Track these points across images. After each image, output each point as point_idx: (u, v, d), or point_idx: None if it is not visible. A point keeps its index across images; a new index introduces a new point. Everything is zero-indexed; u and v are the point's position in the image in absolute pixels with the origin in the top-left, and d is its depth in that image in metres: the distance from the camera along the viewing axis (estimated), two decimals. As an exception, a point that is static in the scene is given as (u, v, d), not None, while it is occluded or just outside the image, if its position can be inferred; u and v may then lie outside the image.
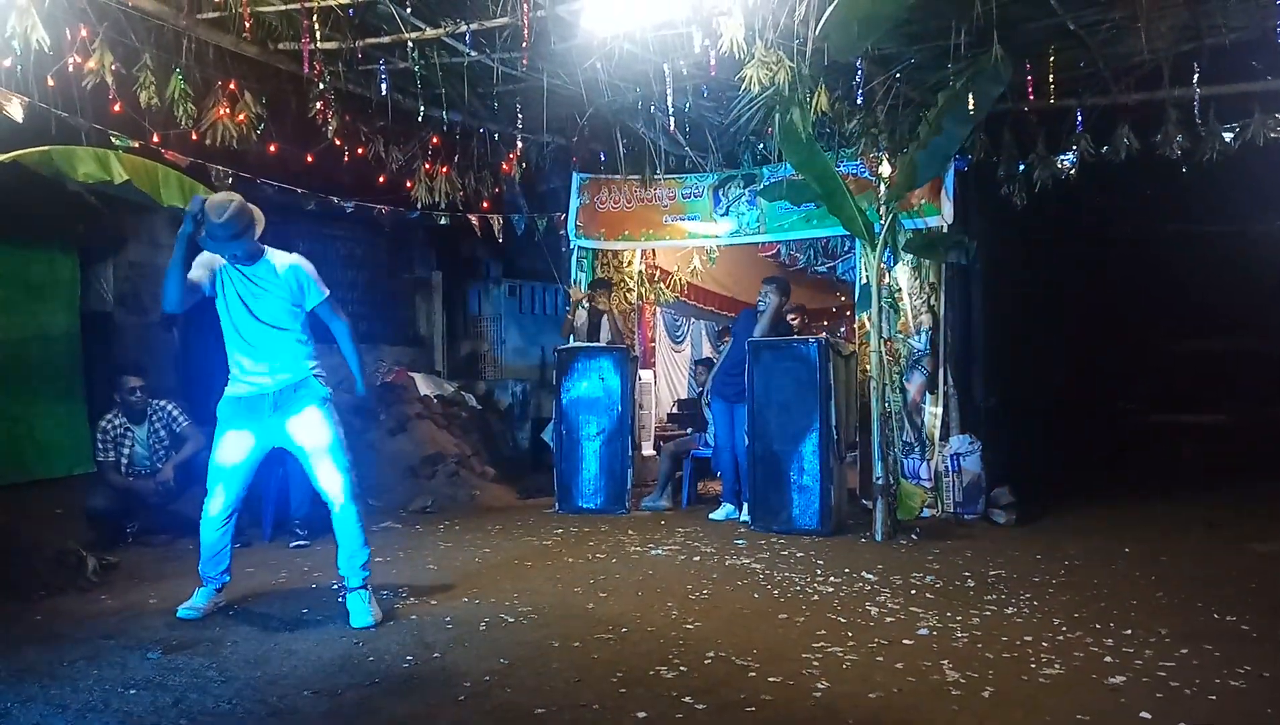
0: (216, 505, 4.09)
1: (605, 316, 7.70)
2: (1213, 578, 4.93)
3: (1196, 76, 5.92)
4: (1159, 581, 4.85)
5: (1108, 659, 3.51)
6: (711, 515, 6.96)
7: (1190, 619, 4.10)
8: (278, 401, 4.03)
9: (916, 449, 7.05)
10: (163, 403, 5.93)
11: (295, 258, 4.12)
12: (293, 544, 5.74)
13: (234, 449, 4.07)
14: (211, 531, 4.10)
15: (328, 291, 4.12)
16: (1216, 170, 6.45)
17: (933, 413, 7.08)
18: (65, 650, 3.59)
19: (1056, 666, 3.43)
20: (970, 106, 5.57)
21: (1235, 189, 8.30)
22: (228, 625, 3.98)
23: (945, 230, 6.81)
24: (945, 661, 3.46)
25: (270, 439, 4.09)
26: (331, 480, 4.02)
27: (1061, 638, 3.79)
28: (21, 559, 4.66)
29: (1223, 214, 10.05)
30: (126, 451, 5.75)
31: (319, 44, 5.58)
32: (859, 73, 5.88)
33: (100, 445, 5.71)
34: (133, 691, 3.14)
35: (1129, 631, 3.86)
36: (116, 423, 5.75)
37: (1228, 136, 6.21)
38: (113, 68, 5.12)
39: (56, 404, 6.69)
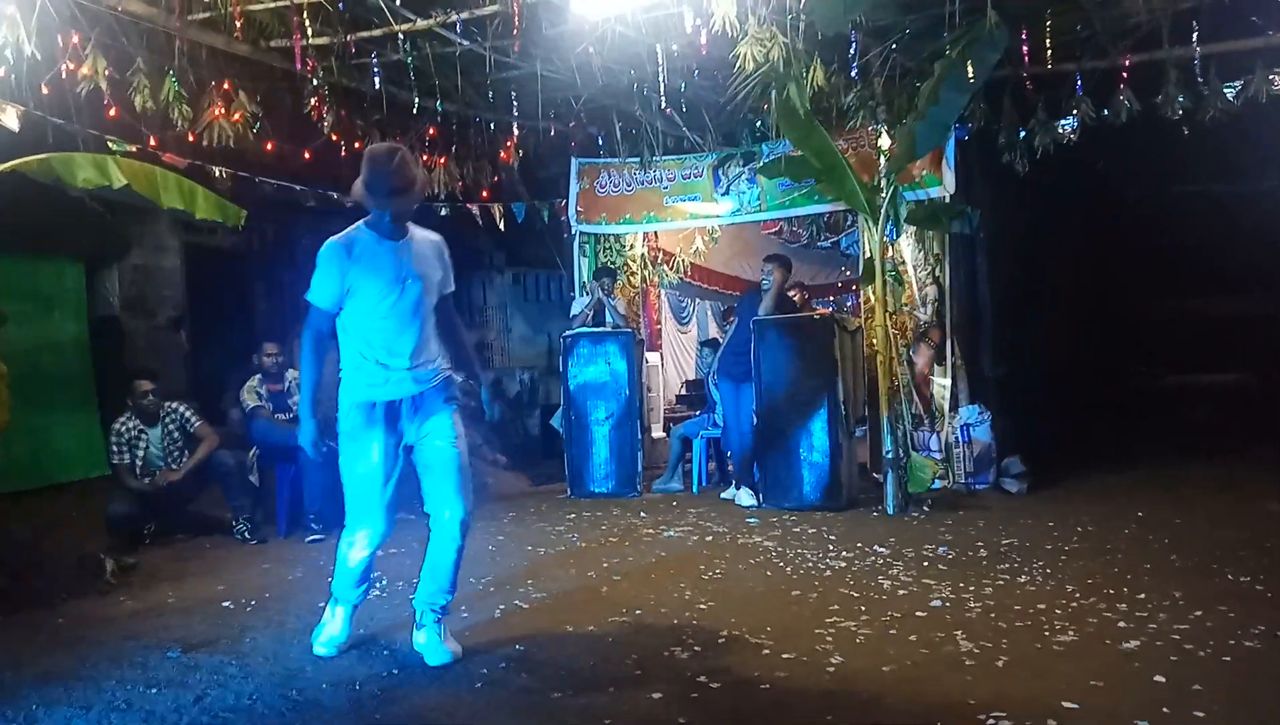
0: (367, 536, 3.41)
1: (607, 304, 7.68)
2: (1227, 540, 4.92)
3: (1195, 35, 5.84)
4: (1172, 545, 4.84)
5: (1121, 624, 3.51)
6: (723, 495, 6.98)
7: (1204, 582, 4.10)
8: (418, 404, 3.38)
9: (926, 421, 7.04)
10: (175, 404, 5.97)
11: (436, 234, 3.54)
12: (308, 538, 5.78)
13: (382, 461, 3.37)
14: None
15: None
16: (1221, 129, 6.38)
17: (941, 384, 7.06)
18: (87, 652, 3.64)
19: (1070, 633, 3.43)
20: (968, 75, 5.52)
21: (1240, 147, 8.21)
22: (246, 622, 4.02)
23: (948, 200, 6.77)
24: (959, 632, 3.47)
25: (407, 440, 3.42)
26: (454, 493, 3.38)
27: (1075, 604, 3.80)
28: (42, 564, 4.73)
29: (1229, 173, 9.96)
30: (141, 453, 5.80)
31: (310, 40, 5.57)
32: (854, 45, 5.83)
33: (115, 448, 5.75)
34: (155, 691, 3.18)
35: (1142, 596, 3.87)
36: (130, 425, 5.79)
37: (1229, 94, 6.14)
38: (106, 73, 5.13)
39: (69, 410, 6.75)
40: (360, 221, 3.40)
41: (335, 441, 3.42)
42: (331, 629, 3.54)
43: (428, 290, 3.38)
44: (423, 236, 3.47)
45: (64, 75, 5.09)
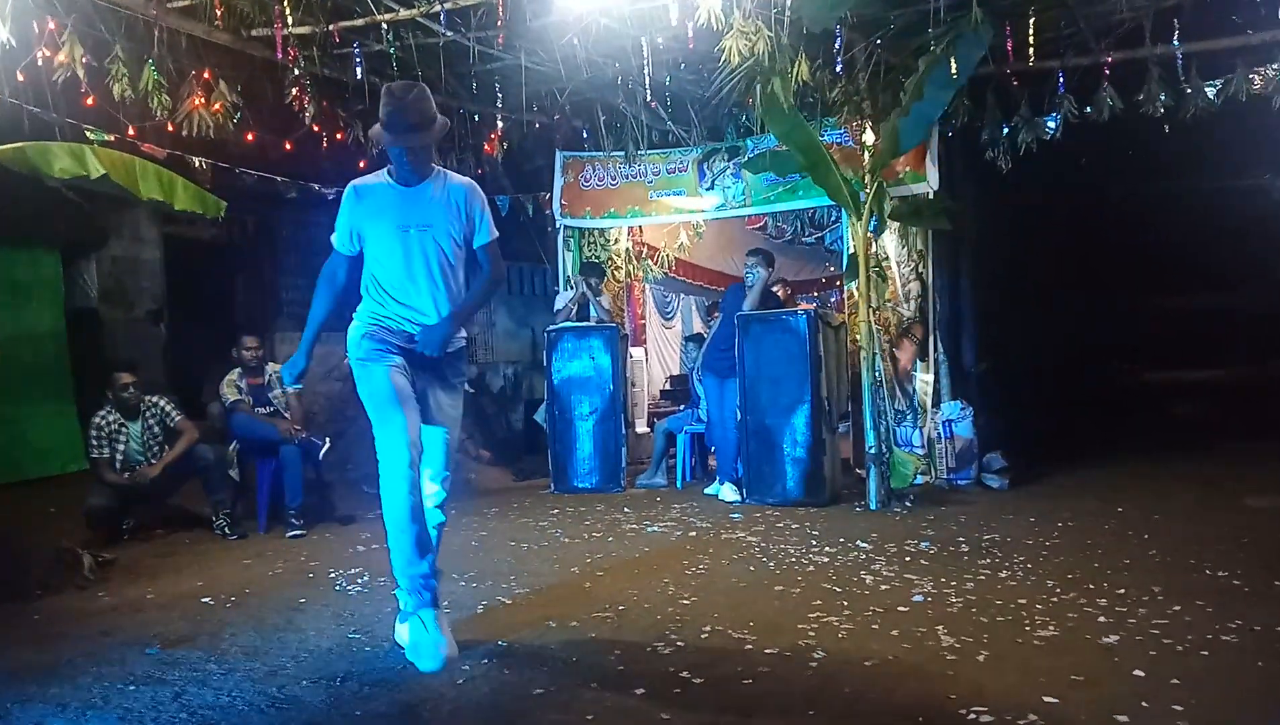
0: (401, 447, 3.08)
1: (591, 299, 7.66)
2: (1206, 534, 4.97)
3: (1177, 33, 5.89)
4: (1152, 540, 4.88)
5: (1101, 619, 3.53)
6: (706, 490, 6.98)
7: (1183, 576, 4.13)
8: (424, 363, 3.24)
9: (908, 417, 7.07)
10: (155, 398, 5.91)
11: (469, 181, 3.36)
12: (289, 534, 5.74)
13: (399, 373, 3.17)
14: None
15: (497, 233, 3.35)
16: (1201, 126, 6.43)
17: (924, 380, 7.09)
18: (64, 648, 3.59)
19: (1051, 628, 3.45)
20: (952, 71, 5.53)
21: (1221, 145, 8.28)
22: (225, 618, 3.98)
23: (931, 196, 6.79)
24: (940, 627, 3.48)
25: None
26: (438, 471, 3.33)
27: (1056, 599, 3.82)
28: (18, 558, 4.66)
29: (1210, 171, 10.04)
30: (121, 448, 5.73)
31: (292, 29, 5.52)
32: (839, 40, 5.83)
33: (94, 442, 5.68)
34: (132, 687, 3.14)
35: (1122, 591, 3.89)
36: (110, 419, 5.72)
37: (1210, 92, 6.19)
38: (84, 60, 5.06)
39: (46, 403, 6.67)
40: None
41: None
42: (416, 631, 3.09)
43: (438, 240, 3.21)
44: (445, 183, 3.27)
45: (40, 62, 5.02)
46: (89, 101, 5.42)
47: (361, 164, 7.27)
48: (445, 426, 3.34)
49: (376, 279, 3.28)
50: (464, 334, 3.43)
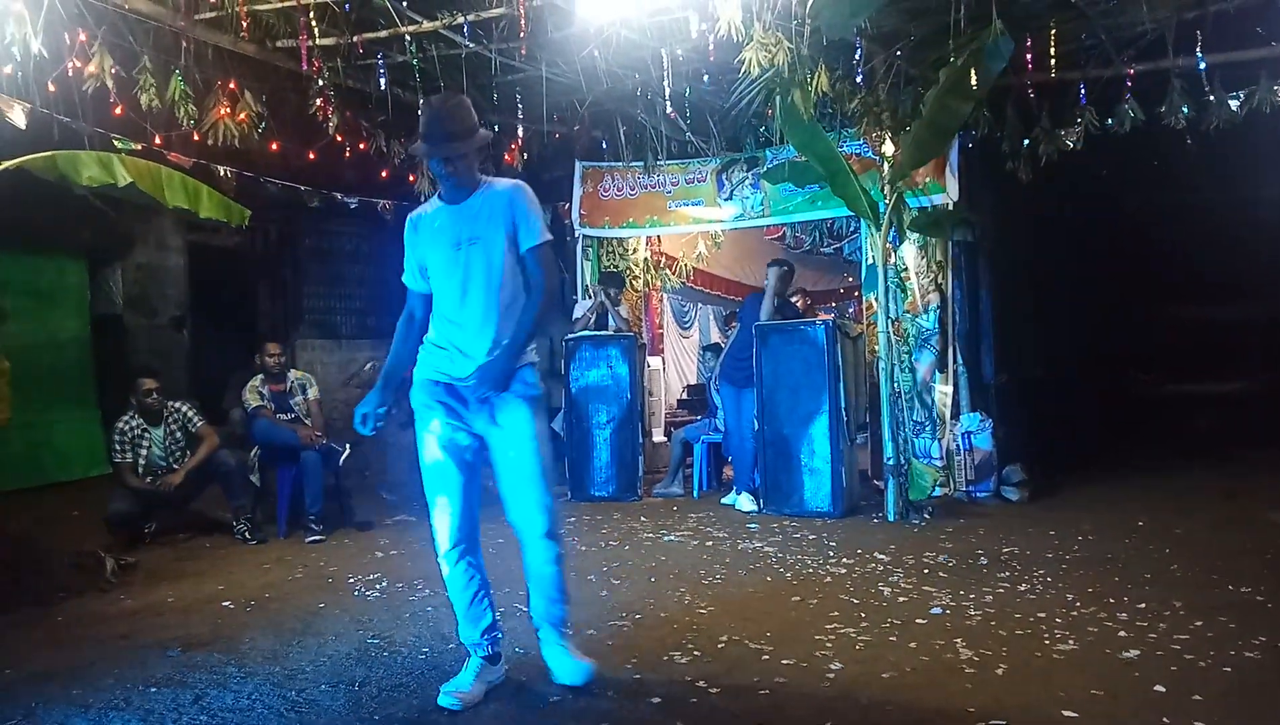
0: (444, 532, 3.09)
1: (610, 308, 7.68)
2: (1228, 549, 4.91)
3: (1200, 45, 5.85)
4: (1173, 554, 4.84)
5: (1122, 633, 3.51)
6: (723, 500, 6.97)
7: (1205, 591, 4.09)
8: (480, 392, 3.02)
9: (927, 428, 7.04)
10: (178, 403, 5.98)
11: (516, 182, 3.16)
12: (308, 539, 5.78)
13: (445, 440, 3.06)
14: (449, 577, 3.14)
15: (550, 237, 3.13)
16: (1225, 139, 6.38)
17: (942, 391, 7.06)
18: (86, 650, 3.64)
19: (1070, 642, 3.43)
20: (972, 82, 5.52)
21: (1244, 157, 8.21)
22: (245, 621, 4.01)
23: (951, 207, 6.78)
24: (959, 640, 3.47)
25: (477, 431, 3.11)
26: (523, 506, 3.11)
27: (1075, 613, 3.79)
28: (41, 562, 4.72)
29: (1232, 182, 9.95)
30: (143, 453, 5.80)
31: (317, 40, 5.58)
32: (859, 51, 5.83)
33: (117, 447, 5.75)
34: (153, 690, 3.18)
35: (1143, 605, 3.86)
36: (133, 424, 5.79)
37: (1234, 104, 6.14)
38: (112, 71, 5.13)
39: (70, 408, 6.76)
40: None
41: (381, 422, 3.14)
42: (461, 677, 3.06)
43: (489, 251, 3.01)
44: (489, 191, 3.08)
45: (70, 73, 5.10)
46: (117, 111, 5.50)
47: (384, 173, 7.36)
48: (518, 452, 3.08)
49: (437, 303, 3.14)
50: (529, 358, 3.16)
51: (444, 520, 3.08)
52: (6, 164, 4.58)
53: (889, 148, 6.68)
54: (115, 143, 5.52)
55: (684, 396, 10.20)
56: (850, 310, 12.19)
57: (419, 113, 3.12)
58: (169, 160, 5.80)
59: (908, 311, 7.11)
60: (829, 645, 3.46)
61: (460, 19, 5.49)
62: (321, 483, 5.96)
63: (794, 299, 7.33)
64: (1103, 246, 11.21)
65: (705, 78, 6.48)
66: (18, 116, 4.90)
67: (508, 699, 3.02)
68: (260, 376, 6.24)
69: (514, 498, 3.10)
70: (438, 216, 3.12)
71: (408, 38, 5.77)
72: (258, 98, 5.99)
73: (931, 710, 2.83)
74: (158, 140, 5.96)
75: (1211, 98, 6.12)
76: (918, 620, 3.76)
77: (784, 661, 3.29)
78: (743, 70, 5.22)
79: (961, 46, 5.53)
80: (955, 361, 7.04)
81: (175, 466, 5.81)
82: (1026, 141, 6.72)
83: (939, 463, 6.91)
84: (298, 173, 7.11)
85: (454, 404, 3.07)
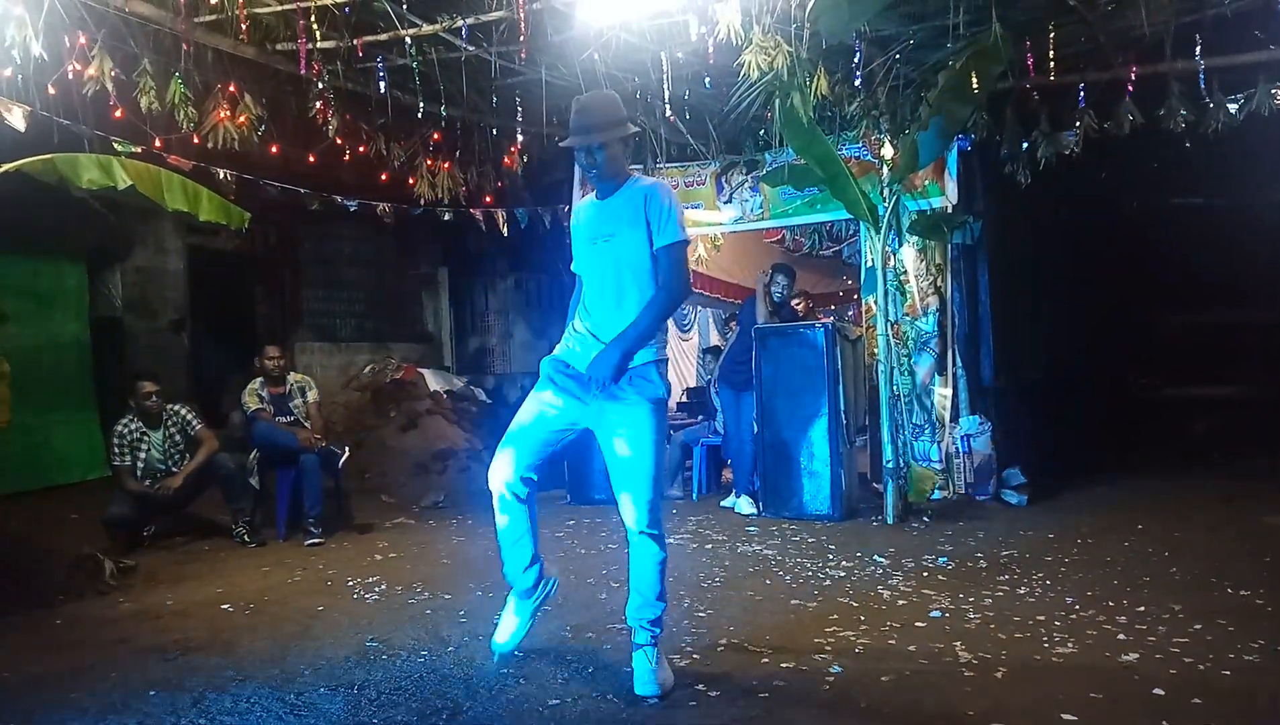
0: (497, 474, 3.20)
1: None
2: (1227, 553, 4.91)
3: (1199, 48, 5.86)
4: (1172, 558, 4.83)
5: (1121, 637, 3.51)
6: (723, 503, 6.97)
7: (1204, 595, 4.09)
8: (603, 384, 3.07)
9: (926, 431, 7.04)
10: (177, 406, 5.97)
11: (656, 180, 3.23)
12: (307, 542, 5.78)
13: (538, 410, 3.19)
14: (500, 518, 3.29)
15: (686, 237, 3.14)
16: (1223, 142, 6.39)
17: (942, 394, 7.06)
18: (84, 653, 3.64)
19: (1069, 645, 3.43)
20: (972, 86, 5.53)
21: (1243, 160, 8.22)
22: (244, 624, 4.01)
23: (950, 211, 6.78)
24: (958, 643, 3.47)
25: (585, 420, 3.18)
26: (627, 502, 3.17)
27: (1074, 617, 3.79)
28: (40, 565, 4.72)
29: (1230, 185, 9.96)
30: (142, 456, 5.80)
31: (316, 43, 5.59)
32: (858, 55, 5.84)
33: (116, 450, 5.75)
34: (152, 693, 3.17)
35: (1142, 609, 3.86)
36: (133, 427, 5.79)
37: (1232, 108, 6.15)
38: (112, 74, 5.14)
39: (69, 411, 6.76)
40: None
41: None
42: (505, 622, 3.39)
43: (622, 247, 3.09)
44: (633, 187, 3.15)
45: (70, 76, 5.11)
46: (117, 114, 5.51)
47: (383, 177, 7.37)
48: (625, 451, 3.10)
49: (581, 292, 3.29)
50: (657, 356, 3.14)
51: (499, 463, 3.20)
52: (6, 167, 4.58)
53: (888, 151, 6.69)
54: (115, 145, 5.53)
55: (684, 399, 10.21)
56: (850, 313, 12.20)
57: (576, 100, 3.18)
58: (169, 163, 5.81)
59: (907, 314, 7.12)
60: (828, 648, 3.46)
61: (460, 22, 5.49)
62: (320, 485, 5.96)
63: (796, 302, 7.34)
64: (1102, 249, 11.21)
65: (705, 81, 6.49)
66: (17, 119, 4.91)
67: (507, 701, 3.02)
68: (259, 379, 6.25)
69: (624, 494, 3.17)
70: (587, 210, 3.26)
71: (408, 41, 5.78)
72: (257, 101, 6.00)
73: (931, 713, 2.82)
74: (157, 143, 5.97)
75: (1210, 101, 6.14)
76: (917, 623, 3.76)
77: (783, 665, 3.29)
78: (742, 73, 5.23)
79: (960, 50, 5.54)
80: (954, 364, 7.04)
81: (174, 469, 5.81)
82: (1025, 144, 6.73)
83: (938, 466, 6.91)
84: (297, 176, 7.12)
85: (572, 387, 3.15)
